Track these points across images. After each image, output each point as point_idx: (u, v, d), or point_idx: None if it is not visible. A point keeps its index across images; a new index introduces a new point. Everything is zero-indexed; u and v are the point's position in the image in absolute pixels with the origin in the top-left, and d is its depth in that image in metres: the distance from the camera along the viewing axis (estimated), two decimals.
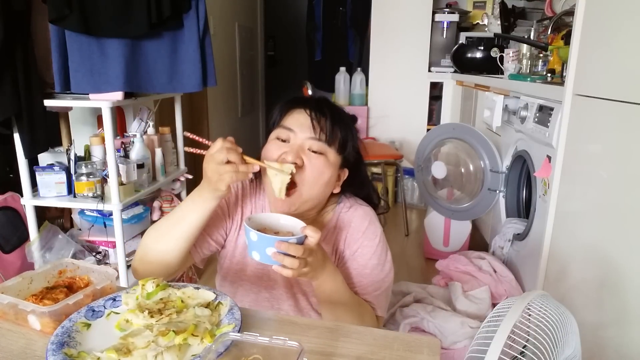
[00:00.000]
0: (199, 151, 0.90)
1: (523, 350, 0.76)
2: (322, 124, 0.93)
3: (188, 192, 2.51)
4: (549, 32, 2.02)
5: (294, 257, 0.77)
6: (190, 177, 2.40)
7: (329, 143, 0.93)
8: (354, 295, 0.97)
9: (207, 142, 0.88)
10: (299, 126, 0.93)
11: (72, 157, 1.87)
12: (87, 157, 1.99)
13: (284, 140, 0.94)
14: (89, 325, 0.71)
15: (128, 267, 2.01)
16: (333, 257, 1.03)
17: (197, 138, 0.91)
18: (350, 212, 1.03)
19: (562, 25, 1.99)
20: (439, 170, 2.35)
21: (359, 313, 0.95)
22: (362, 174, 1.08)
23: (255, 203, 1.06)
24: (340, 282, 0.92)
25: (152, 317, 0.70)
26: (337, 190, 1.00)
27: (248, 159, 0.86)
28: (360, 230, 1.01)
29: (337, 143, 0.94)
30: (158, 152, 2.13)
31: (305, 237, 0.79)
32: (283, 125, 0.95)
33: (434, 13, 3.53)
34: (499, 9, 3.05)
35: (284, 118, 0.97)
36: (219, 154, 0.82)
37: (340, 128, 0.95)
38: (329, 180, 0.95)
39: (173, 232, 0.90)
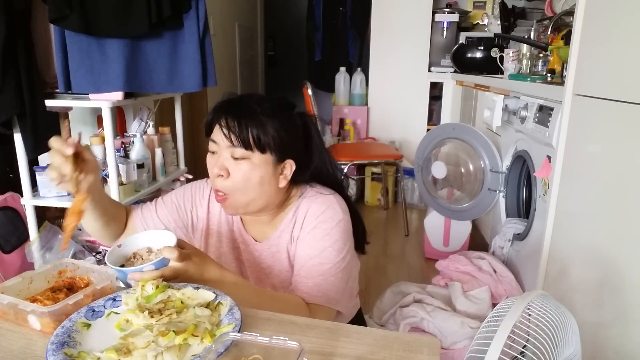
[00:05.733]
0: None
1: (523, 350, 0.76)
2: (233, 130, 0.91)
3: None
4: (549, 32, 2.02)
5: None
6: (190, 177, 2.40)
7: (246, 147, 0.91)
8: (262, 291, 0.94)
9: (69, 137, 0.92)
10: (219, 136, 0.93)
11: None
12: None
13: (214, 152, 0.95)
14: (89, 325, 0.71)
15: None
16: (292, 246, 1.01)
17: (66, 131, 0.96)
18: (311, 200, 1.01)
19: (562, 25, 1.99)
20: (439, 170, 2.35)
21: (274, 308, 0.85)
22: (320, 165, 1.04)
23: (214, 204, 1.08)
24: (232, 285, 0.86)
25: (152, 317, 0.70)
26: (282, 184, 0.98)
27: (69, 163, 0.83)
28: (316, 214, 0.99)
29: (254, 144, 0.91)
30: (158, 152, 2.13)
31: (167, 259, 0.79)
32: (210, 138, 0.96)
33: (434, 13, 3.53)
34: (499, 9, 3.05)
35: (213, 128, 0.96)
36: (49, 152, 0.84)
37: (251, 127, 0.91)
38: (262, 181, 0.94)
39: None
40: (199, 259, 0.84)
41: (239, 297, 0.85)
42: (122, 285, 0.83)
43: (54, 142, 0.83)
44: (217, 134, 0.93)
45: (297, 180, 1.01)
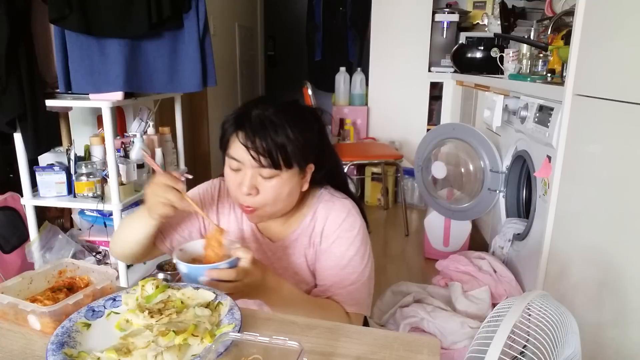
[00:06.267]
0: (157, 167, 0.95)
1: (523, 350, 0.76)
2: (260, 150, 0.88)
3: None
4: (549, 32, 2.02)
5: (227, 282, 0.78)
6: (190, 177, 2.39)
7: (275, 167, 0.90)
8: (311, 299, 0.96)
9: (158, 167, 0.94)
10: (241, 158, 0.90)
11: (72, 157, 1.87)
12: (87, 157, 1.99)
13: (236, 170, 0.93)
14: (89, 325, 0.71)
15: (128, 267, 2.00)
16: (311, 250, 1.02)
17: (152, 163, 0.96)
18: (329, 205, 1.02)
19: (562, 25, 1.99)
20: (439, 170, 2.35)
21: (322, 317, 0.90)
22: (331, 162, 1.05)
23: (235, 208, 1.07)
24: (288, 293, 0.91)
25: (152, 317, 0.70)
26: (305, 187, 0.99)
27: (187, 198, 0.87)
28: (337, 222, 1.00)
29: (283, 164, 0.90)
30: (158, 152, 2.13)
31: (239, 259, 0.81)
32: (229, 155, 0.92)
33: (434, 13, 3.53)
34: (499, 9, 3.05)
35: (228, 144, 0.93)
36: (158, 188, 0.86)
37: (279, 148, 0.89)
38: (290, 192, 0.95)
39: (129, 239, 0.98)
40: (262, 266, 0.87)
41: (293, 304, 0.89)
42: (121, 286, 0.83)
43: (164, 178, 0.86)
44: (241, 153, 0.90)
45: (313, 179, 1.01)
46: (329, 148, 1.03)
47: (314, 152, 0.97)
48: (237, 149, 0.91)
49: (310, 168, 0.98)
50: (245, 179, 0.91)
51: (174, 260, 0.81)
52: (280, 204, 0.95)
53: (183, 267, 0.80)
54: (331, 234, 1.00)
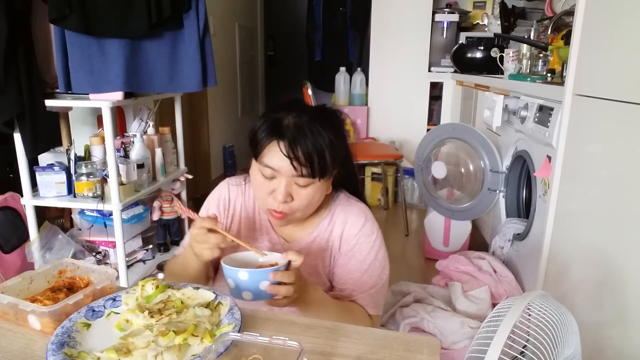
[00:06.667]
0: (192, 214, 0.93)
1: (523, 350, 0.76)
2: (300, 160, 0.87)
3: (188, 192, 2.52)
4: (549, 32, 2.02)
5: (287, 285, 0.79)
6: (190, 177, 2.40)
7: (314, 175, 0.90)
8: (339, 303, 0.97)
9: (194, 214, 0.91)
10: (279, 167, 0.89)
11: (72, 157, 1.87)
12: (87, 157, 1.99)
13: (269, 178, 0.92)
14: (89, 325, 0.71)
15: (128, 267, 2.01)
16: (328, 253, 1.03)
17: (185, 210, 0.94)
18: (346, 209, 1.03)
19: (562, 25, 1.99)
20: (439, 170, 2.35)
21: (349, 319, 0.92)
22: (350, 167, 1.06)
23: (246, 208, 1.08)
24: (322, 297, 0.92)
25: (152, 317, 0.70)
26: (329, 190, 1.00)
27: (229, 236, 0.87)
28: (357, 226, 1.01)
29: (320, 170, 0.90)
30: (158, 152, 2.13)
31: (289, 262, 0.82)
32: (263, 163, 0.91)
33: (434, 13, 3.53)
34: (499, 9, 3.05)
35: (262, 151, 0.91)
36: (200, 235, 0.86)
37: (320, 158, 0.89)
38: (320, 196, 0.97)
39: (185, 275, 0.98)
40: (301, 272, 0.88)
41: (325, 308, 0.91)
42: (121, 286, 0.83)
43: (203, 222, 0.86)
44: (280, 162, 0.89)
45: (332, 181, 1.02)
46: (349, 150, 1.04)
47: (342, 156, 0.97)
48: (276, 158, 0.89)
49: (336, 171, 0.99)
50: (280, 187, 0.90)
51: (229, 269, 0.79)
52: (311, 208, 0.97)
53: (243, 274, 0.78)
54: (351, 239, 1.01)
